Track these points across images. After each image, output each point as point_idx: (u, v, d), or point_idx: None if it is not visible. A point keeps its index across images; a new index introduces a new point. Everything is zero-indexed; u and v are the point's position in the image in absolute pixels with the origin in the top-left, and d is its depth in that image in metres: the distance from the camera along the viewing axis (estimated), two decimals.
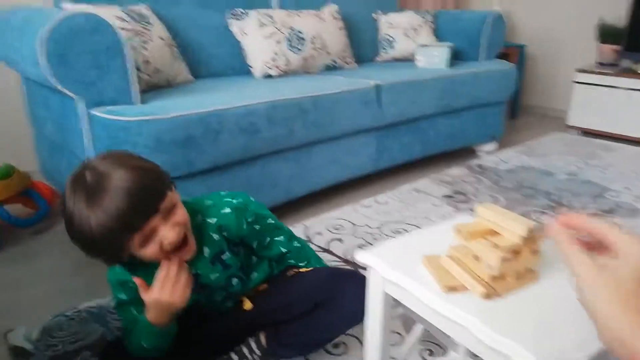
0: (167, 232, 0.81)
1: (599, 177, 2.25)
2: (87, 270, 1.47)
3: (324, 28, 2.23)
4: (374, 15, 2.67)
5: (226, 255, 0.97)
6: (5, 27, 1.44)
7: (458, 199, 1.98)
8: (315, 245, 1.59)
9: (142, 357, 0.95)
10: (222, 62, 2.10)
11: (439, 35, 2.68)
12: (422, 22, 2.62)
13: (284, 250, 1.07)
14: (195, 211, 0.94)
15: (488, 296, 0.61)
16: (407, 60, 2.61)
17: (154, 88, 1.68)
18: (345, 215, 1.81)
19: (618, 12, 3.03)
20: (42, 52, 1.18)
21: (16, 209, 1.78)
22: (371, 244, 1.58)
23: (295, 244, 1.09)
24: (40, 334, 1.16)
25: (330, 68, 2.29)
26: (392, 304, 0.72)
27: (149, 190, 0.80)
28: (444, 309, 0.60)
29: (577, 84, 2.99)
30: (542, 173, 2.30)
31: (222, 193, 1.01)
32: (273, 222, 1.05)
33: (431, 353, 1.08)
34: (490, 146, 2.63)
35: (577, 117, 3.05)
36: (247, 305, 1.03)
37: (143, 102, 1.39)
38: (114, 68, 1.28)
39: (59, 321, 1.21)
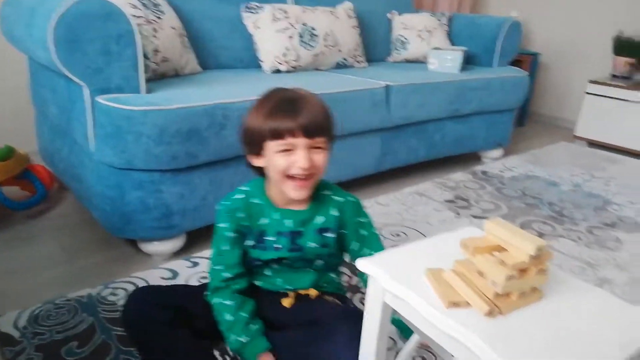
0: (303, 158, 0.88)
1: (602, 190, 2.22)
2: (79, 259, 1.45)
3: (337, 25, 2.20)
4: (388, 15, 2.64)
5: (331, 235, 1.00)
6: (16, 6, 1.41)
7: (460, 204, 1.96)
8: None
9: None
10: (232, 54, 2.08)
11: (453, 38, 2.64)
12: (437, 24, 2.59)
13: None
14: (328, 186, 1.03)
15: (491, 314, 0.58)
16: (419, 62, 2.58)
17: (161, 77, 1.66)
18: None
19: (637, 26, 2.99)
20: (52, 35, 1.16)
21: (12, 192, 1.76)
22: None
23: None
24: (27, 322, 1.14)
25: (341, 66, 2.26)
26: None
27: (326, 117, 0.92)
28: (444, 325, 0.57)
29: (589, 95, 2.96)
30: (546, 183, 2.27)
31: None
32: (378, 235, 1.06)
33: None
34: (495, 153, 2.60)
35: (585, 128, 3.02)
36: (286, 302, 1.03)
37: (149, 91, 1.37)
38: (123, 56, 1.25)
39: (47, 309, 1.19)
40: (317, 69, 2.18)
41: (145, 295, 1.00)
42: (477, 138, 2.43)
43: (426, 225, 1.74)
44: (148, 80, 1.45)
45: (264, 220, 1.00)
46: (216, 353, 1.06)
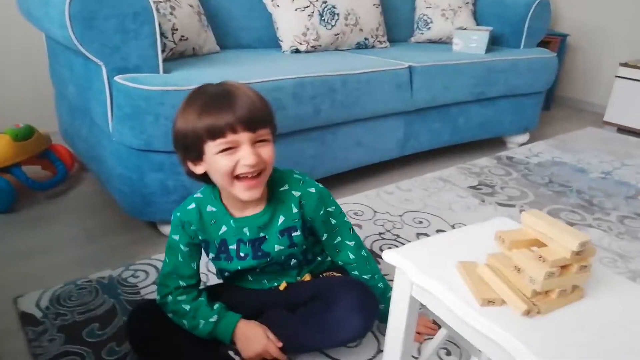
0: (249, 153, 0.81)
1: (634, 178, 2.14)
2: (100, 240, 1.45)
3: (359, 4, 2.13)
4: None
5: (296, 233, 0.95)
6: None
7: (484, 191, 1.90)
8: None
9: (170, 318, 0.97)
10: (250, 34, 2.04)
11: (479, 18, 2.55)
12: (462, 3, 2.50)
13: (351, 256, 1.02)
14: (283, 180, 0.95)
15: (528, 313, 0.55)
16: (443, 42, 2.50)
17: (179, 57, 1.63)
18: (366, 200, 1.75)
19: None
20: (67, 12, 1.13)
21: (33, 171, 1.77)
22: (390, 232, 1.53)
23: (363, 252, 1.04)
24: (50, 302, 1.15)
25: (362, 46, 2.20)
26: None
27: (265, 106, 0.84)
28: (479, 324, 0.54)
29: (619, 79, 2.85)
30: (574, 170, 2.20)
31: (307, 176, 0.99)
32: (349, 224, 1.02)
33: (448, 353, 1.03)
34: (521, 138, 2.52)
35: (615, 113, 2.91)
36: (282, 285, 1.01)
37: (167, 71, 1.34)
38: (140, 34, 1.22)
39: (69, 290, 1.19)
40: (337, 49, 2.12)
41: (146, 311, 0.98)
42: (502, 122, 2.35)
43: (449, 212, 1.70)
44: (165, 60, 1.42)
45: (223, 229, 0.94)
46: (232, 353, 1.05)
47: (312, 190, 0.95)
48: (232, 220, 0.93)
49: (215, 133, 0.80)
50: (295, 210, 0.93)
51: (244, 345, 0.93)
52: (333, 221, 0.99)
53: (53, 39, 1.52)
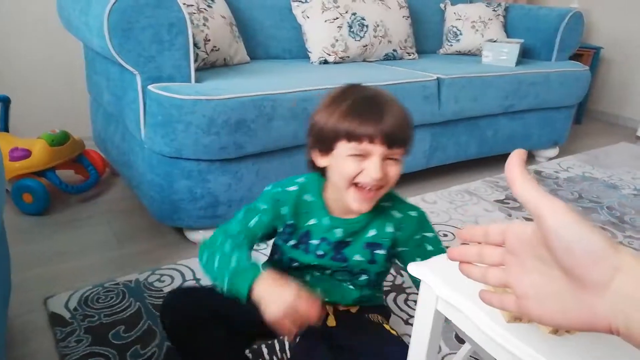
0: (376, 168, 0.78)
1: None
2: (128, 244, 1.48)
3: (388, 15, 2.14)
4: (441, 5, 2.55)
5: (380, 251, 0.90)
6: None
7: (511, 205, 1.87)
8: None
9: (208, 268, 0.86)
10: (280, 44, 2.07)
11: (509, 30, 2.53)
12: (493, 15, 2.48)
13: None
14: (389, 196, 0.90)
15: (556, 332, 0.54)
16: (472, 54, 2.48)
17: (210, 66, 1.66)
18: None
19: None
20: (106, 23, 1.17)
21: (66, 175, 1.82)
22: None
23: None
24: (78, 304, 1.18)
25: (390, 58, 2.20)
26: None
27: (408, 127, 0.82)
28: (506, 341, 0.53)
29: None
30: (605, 186, 2.14)
31: (406, 199, 0.95)
32: (444, 251, 0.93)
33: None
34: (551, 152, 2.48)
35: None
36: (331, 321, 0.95)
37: (198, 80, 1.37)
38: (174, 45, 1.26)
39: (97, 292, 1.22)
40: (365, 60, 2.13)
41: (183, 295, 0.97)
42: (532, 136, 2.32)
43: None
44: (197, 70, 1.45)
45: (312, 221, 0.90)
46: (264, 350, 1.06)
47: (414, 214, 0.92)
48: (327, 218, 0.89)
49: (353, 138, 0.78)
50: (389, 229, 0.90)
51: (267, 298, 0.74)
52: (429, 247, 0.92)
53: (91, 48, 1.58)
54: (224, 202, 1.40)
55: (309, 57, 2.05)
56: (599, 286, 0.35)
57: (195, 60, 1.50)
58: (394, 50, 2.19)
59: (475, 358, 1.03)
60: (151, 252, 1.44)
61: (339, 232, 0.89)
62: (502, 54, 2.18)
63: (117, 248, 1.46)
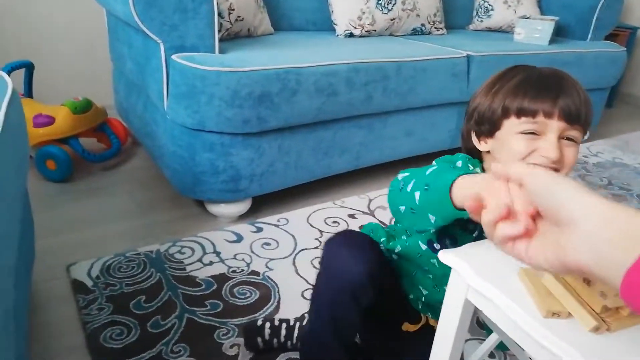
0: (553, 146, 0.69)
1: None
2: (149, 214, 1.48)
3: None
4: None
5: None
6: None
7: None
8: (377, 219, 1.52)
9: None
10: (305, 16, 2.01)
11: (544, 6, 2.42)
12: None
13: None
14: None
15: (597, 330, 0.51)
16: (503, 31, 2.39)
17: (234, 37, 1.63)
18: None
19: None
20: None
21: (89, 144, 1.82)
22: None
23: None
24: (100, 272, 1.18)
25: (417, 32, 2.13)
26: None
27: (590, 106, 0.74)
28: (542, 336, 0.51)
29: None
30: (636, 172, 2.07)
31: None
32: None
33: (491, 355, 1.00)
34: None
35: None
36: (410, 327, 0.91)
37: (222, 51, 1.34)
38: (198, 13, 1.22)
39: (118, 261, 1.23)
40: (392, 35, 2.07)
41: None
42: None
43: None
44: (221, 40, 1.42)
45: None
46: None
47: None
48: None
49: (526, 112, 0.70)
50: None
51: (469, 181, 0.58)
52: None
53: (114, 15, 1.55)
54: (245, 177, 1.39)
55: (333, 30, 1.99)
56: (568, 227, 0.40)
57: (219, 30, 1.47)
58: (422, 24, 2.12)
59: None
60: (172, 223, 1.44)
61: None
62: (535, 32, 2.09)
63: (139, 218, 1.47)
